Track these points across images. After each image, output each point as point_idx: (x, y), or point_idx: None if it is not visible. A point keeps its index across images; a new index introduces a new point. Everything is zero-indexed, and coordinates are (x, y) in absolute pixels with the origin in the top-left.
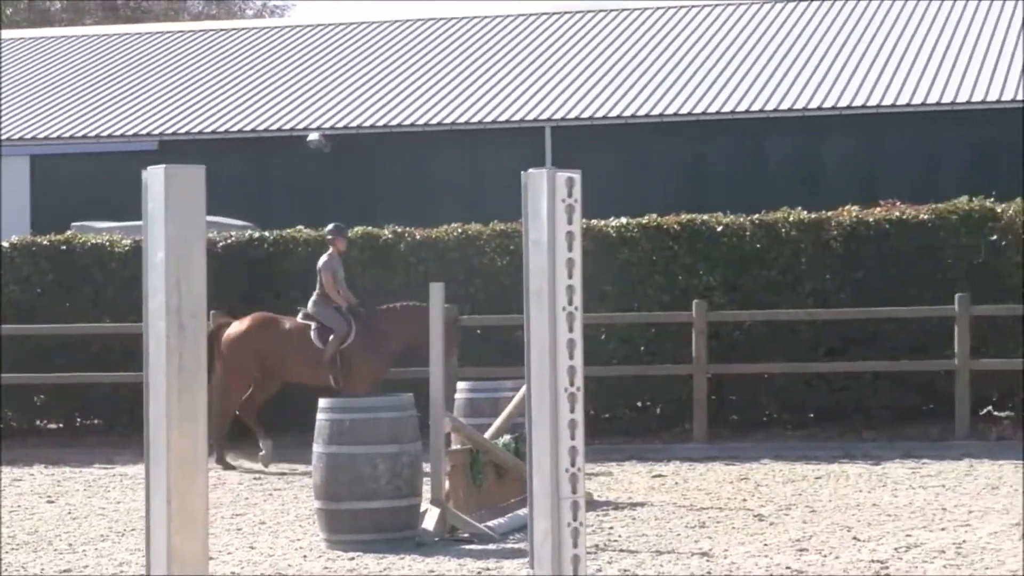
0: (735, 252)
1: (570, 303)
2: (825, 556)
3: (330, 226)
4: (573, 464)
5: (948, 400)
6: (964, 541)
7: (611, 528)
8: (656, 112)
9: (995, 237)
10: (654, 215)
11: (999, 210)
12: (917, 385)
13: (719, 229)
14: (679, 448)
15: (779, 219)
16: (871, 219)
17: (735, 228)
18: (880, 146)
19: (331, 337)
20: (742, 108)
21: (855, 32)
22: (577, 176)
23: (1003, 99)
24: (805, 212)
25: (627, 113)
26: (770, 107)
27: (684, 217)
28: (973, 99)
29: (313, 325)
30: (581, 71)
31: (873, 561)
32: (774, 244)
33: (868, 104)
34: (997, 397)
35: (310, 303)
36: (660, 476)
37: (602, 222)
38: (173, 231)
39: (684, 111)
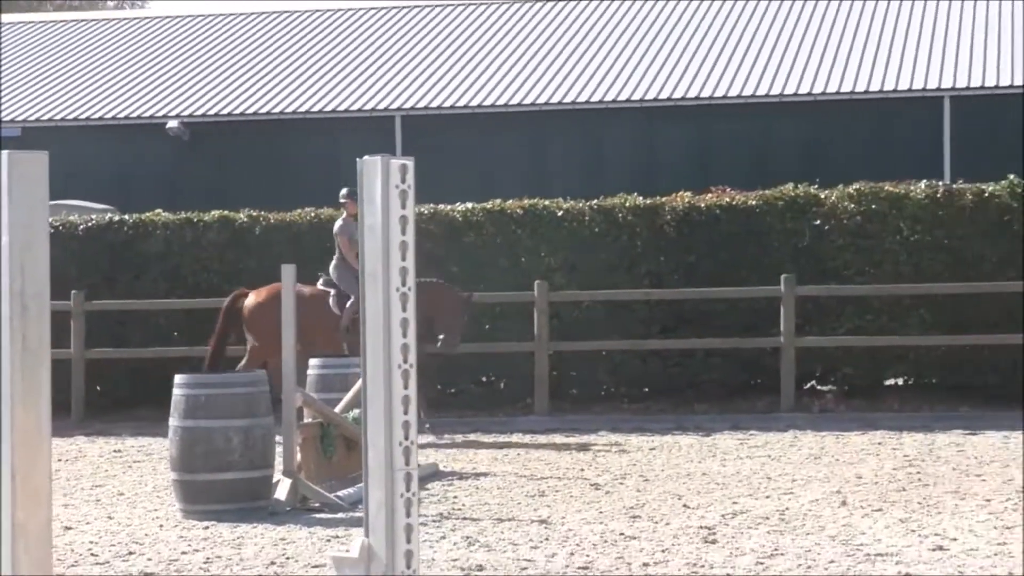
0: (575, 236)
1: (403, 284)
2: (656, 522)
3: (344, 190)
4: (407, 437)
5: (774, 375)
6: (787, 508)
7: (455, 497)
8: (501, 103)
9: (819, 222)
10: (498, 200)
11: (823, 196)
12: (745, 361)
13: (559, 214)
14: (522, 421)
15: (616, 204)
16: (703, 205)
17: (575, 213)
18: (713, 135)
19: (348, 304)
20: (583, 99)
21: (690, 25)
22: (410, 163)
23: (841, 91)
24: (641, 198)
25: (474, 103)
26: (609, 98)
27: (527, 202)
28: (800, 91)
29: (332, 292)
30: (431, 63)
31: (701, 527)
32: (612, 228)
33: (701, 96)
34: (820, 372)
35: (330, 268)
36: (504, 447)
37: (448, 207)
38: (16, 216)
39: (527, 101)
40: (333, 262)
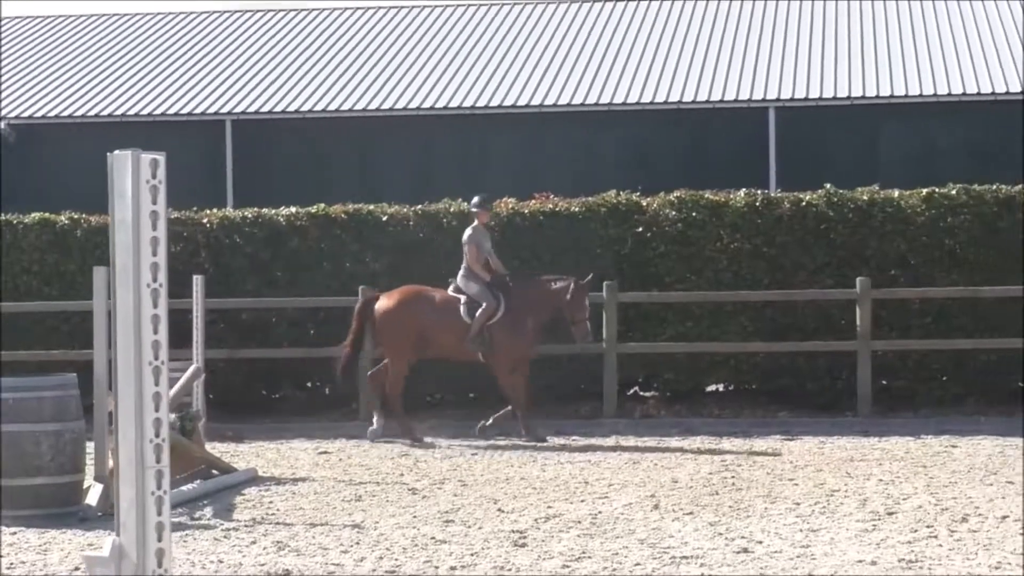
0: (399, 240)
1: (155, 280)
2: (469, 527)
3: (475, 198)
4: (157, 435)
5: (598, 381)
6: (600, 512)
7: (271, 502)
8: (332, 108)
9: (641, 229)
10: (322, 205)
11: (644, 204)
12: (569, 367)
13: (384, 219)
14: (346, 426)
15: (441, 210)
16: (526, 211)
17: (399, 218)
18: (542, 143)
19: (478, 312)
20: (405, 105)
21: (521, 33)
22: (161, 158)
23: (669, 100)
24: (465, 204)
25: (304, 108)
26: (440, 105)
27: (351, 207)
28: (628, 100)
29: (462, 299)
30: (260, 68)
31: (513, 531)
32: (436, 233)
33: (531, 104)
34: (643, 378)
35: (458, 276)
36: (326, 453)
37: (273, 211)
38: None
39: (359, 107)
40: (461, 271)
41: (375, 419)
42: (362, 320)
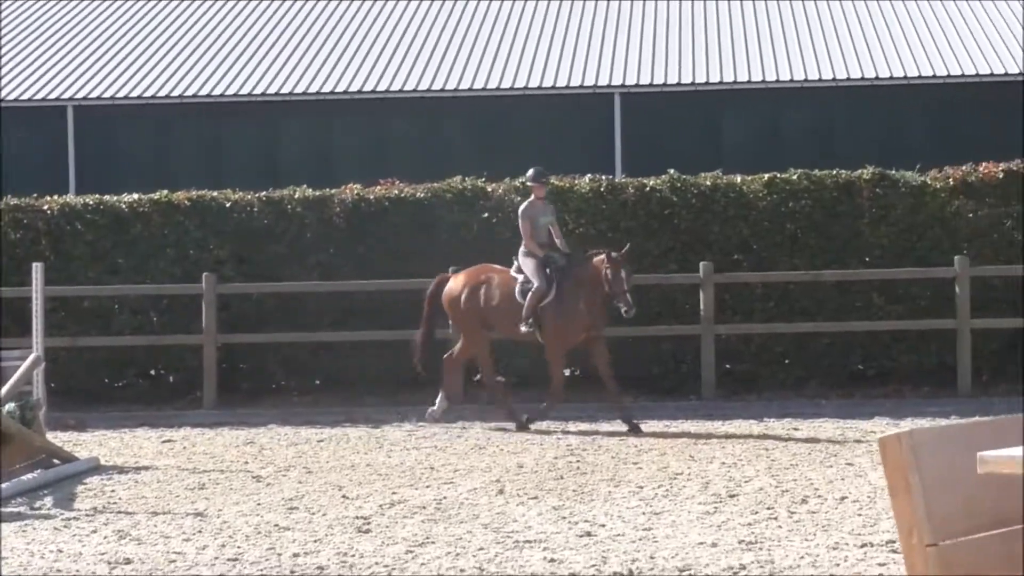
0: (244, 227)
1: None
2: (313, 513)
3: (530, 171)
4: None
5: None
6: (445, 497)
7: (113, 491)
8: (176, 94)
9: (486, 215)
10: (165, 191)
11: (490, 189)
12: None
13: (228, 205)
14: (191, 415)
15: (285, 196)
16: (372, 196)
17: (243, 204)
18: (388, 129)
19: (530, 293)
20: (251, 91)
21: (366, 22)
22: None
23: (515, 86)
24: (310, 190)
25: (147, 94)
26: (286, 91)
27: (195, 193)
28: (474, 86)
29: (520, 279)
30: (103, 53)
31: (357, 517)
32: (281, 220)
33: (377, 90)
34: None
35: (519, 254)
36: (169, 441)
37: (115, 198)
38: None
39: (204, 93)
40: (521, 248)
41: (438, 399)
42: (433, 302)
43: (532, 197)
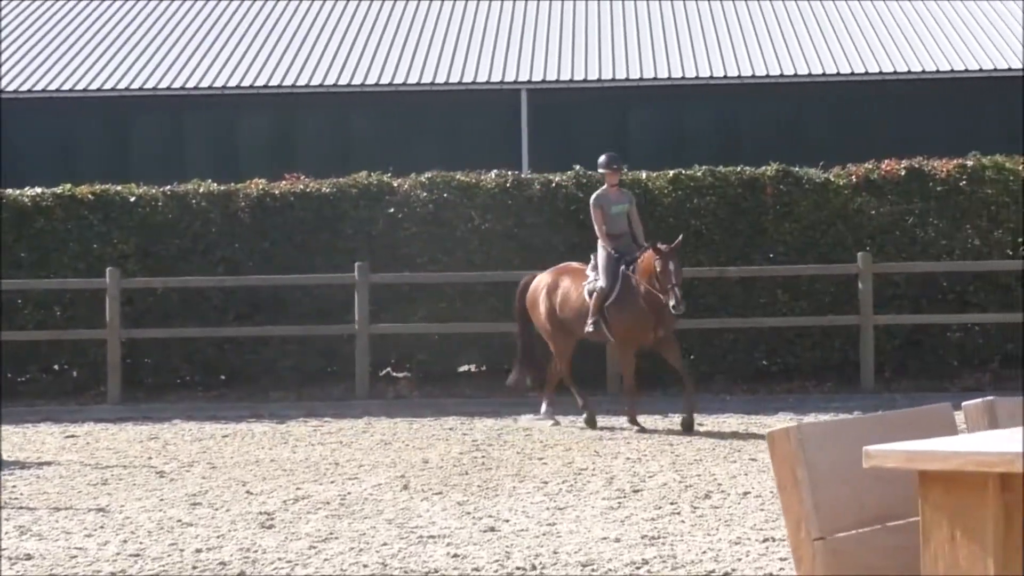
0: (148, 221)
1: None
2: (217, 509)
3: (602, 157)
4: None
5: (350, 362)
6: (349, 493)
7: (14, 487)
8: (81, 87)
9: (392, 210)
10: (69, 185)
11: (396, 184)
12: (321, 349)
13: (132, 199)
14: (95, 410)
15: (190, 191)
16: (277, 191)
17: (147, 199)
18: (293, 124)
19: (596, 292)
20: (156, 85)
21: (286, 13)
22: None
23: (422, 82)
24: (215, 184)
25: (52, 87)
26: (191, 85)
27: (98, 187)
28: (380, 81)
29: (591, 276)
30: (4, 46)
31: (261, 513)
32: (185, 214)
33: (284, 84)
34: (395, 359)
35: (598, 247)
36: (72, 436)
37: (18, 191)
38: None
39: (108, 87)
40: (598, 242)
41: (543, 408)
42: (521, 308)
43: (605, 186)
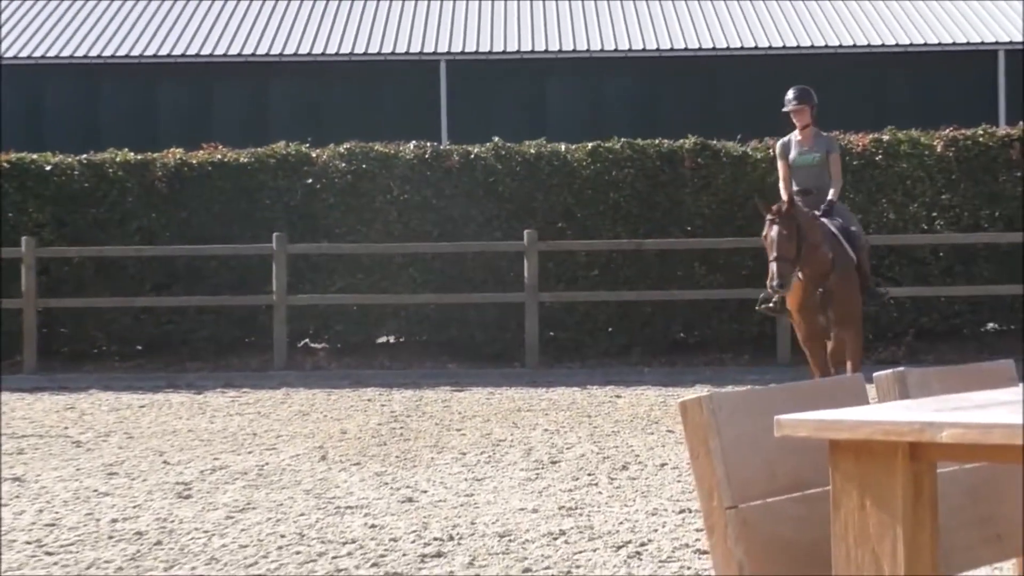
0: (64, 191)
1: None
2: (133, 479)
3: (790, 92)
4: None
5: (268, 333)
6: (267, 463)
7: None
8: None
9: (311, 180)
10: None
11: (314, 155)
12: (239, 319)
13: (48, 168)
14: (10, 379)
15: (107, 160)
16: (195, 161)
17: (64, 167)
18: (211, 94)
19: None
20: (72, 53)
21: None
22: None
23: (340, 52)
24: (132, 153)
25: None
26: (108, 54)
27: (14, 156)
28: (299, 51)
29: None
30: None
31: (178, 483)
32: (102, 183)
33: (201, 54)
34: (313, 330)
35: None
36: None
37: None
38: None
39: (24, 55)
40: None
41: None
42: None
43: (794, 132)
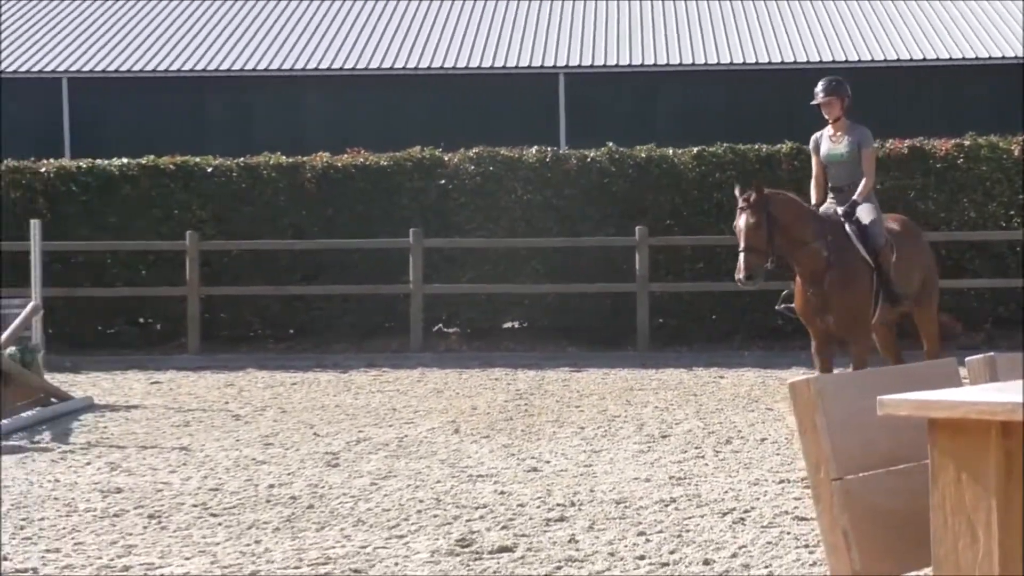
0: (224, 190)
1: None
2: (287, 449)
3: (820, 84)
4: None
5: (406, 319)
6: (406, 436)
7: (105, 428)
8: (162, 68)
9: (443, 181)
10: (152, 156)
11: (446, 159)
12: (380, 306)
13: (209, 170)
14: (176, 359)
15: (261, 163)
16: (340, 164)
17: (223, 169)
18: (355, 104)
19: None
20: (229, 67)
21: (377, 4)
22: None
23: (470, 66)
24: (284, 157)
25: (136, 68)
26: (261, 67)
27: (179, 159)
28: (433, 65)
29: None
30: (95, 31)
31: (327, 453)
32: (257, 184)
33: (344, 67)
34: (446, 316)
35: None
36: (157, 383)
37: (106, 162)
38: None
39: (187, 68)
40: None
41: None
42: None
43: (828, 127)
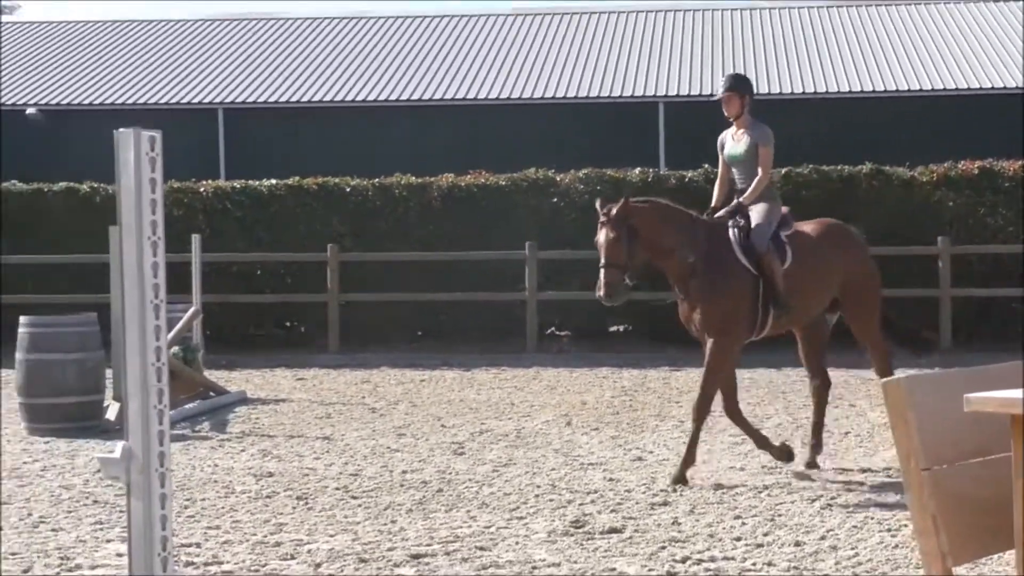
0: (360, 207)
1: (153, 234)
2: (418, 439)
3: (722, 80)
4: (158, 360)
5: (522, 323)
6: (523, 428)
7: (257, 418)
8: (306, 99)
9: (555, 199)
10: (297, 177)
11: (559, 179)
12: (499, 311)
13: (347, 189)
14: (319, 358)
15: (393, 183)
16: (463, 183)
17: (360, 188)
18: (476, 131)
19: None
20: (365, 97)
21: (491, 35)
22: (158, 135)
23: (611, 95)
24: (413, 178)
25: (283, 99)
26: (393, 97)
27: (321, 180)
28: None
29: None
30: (246, 67)
31: (453, 443)
32: (389, 202)
33: (467, 97)
34: (558, 321)
35: None
36: (302, 379)
37: (256, 183)
38: None
39: (328, 99)
40: None
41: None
42: None
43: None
